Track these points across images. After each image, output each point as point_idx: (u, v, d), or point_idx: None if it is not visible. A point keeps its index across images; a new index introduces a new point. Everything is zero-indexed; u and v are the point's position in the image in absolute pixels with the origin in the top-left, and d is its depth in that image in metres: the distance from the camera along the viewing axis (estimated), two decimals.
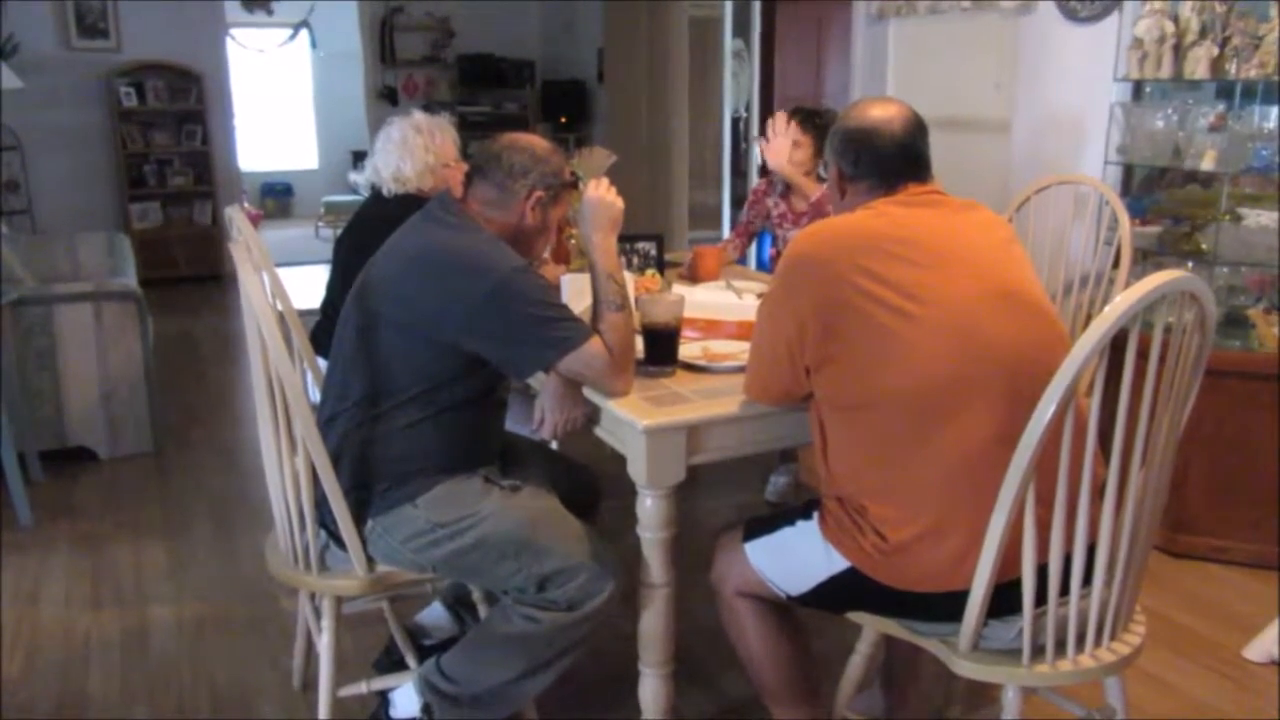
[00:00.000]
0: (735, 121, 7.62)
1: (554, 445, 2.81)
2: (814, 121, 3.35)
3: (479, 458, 2.08)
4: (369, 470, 1.98)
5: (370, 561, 2.02)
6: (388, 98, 8.94)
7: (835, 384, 1.71)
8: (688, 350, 2.23)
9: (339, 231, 3.66)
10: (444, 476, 2.00)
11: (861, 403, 1.68)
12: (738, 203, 7.43)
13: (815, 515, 1.82)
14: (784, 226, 3.53)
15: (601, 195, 2.10)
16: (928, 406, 1.63)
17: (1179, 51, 3.20)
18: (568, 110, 8.92)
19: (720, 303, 2.70)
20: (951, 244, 1.73)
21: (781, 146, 3.31)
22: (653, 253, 3.32)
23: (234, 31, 8.68)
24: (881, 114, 1.83)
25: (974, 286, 1.68)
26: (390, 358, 1.98)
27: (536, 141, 2.09)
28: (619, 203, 2.11)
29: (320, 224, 10.21)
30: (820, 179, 3.45)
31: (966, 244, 1.75)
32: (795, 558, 1.83)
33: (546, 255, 3.13)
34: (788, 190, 3.51)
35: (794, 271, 1.77)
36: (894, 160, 1.81)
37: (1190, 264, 3.18)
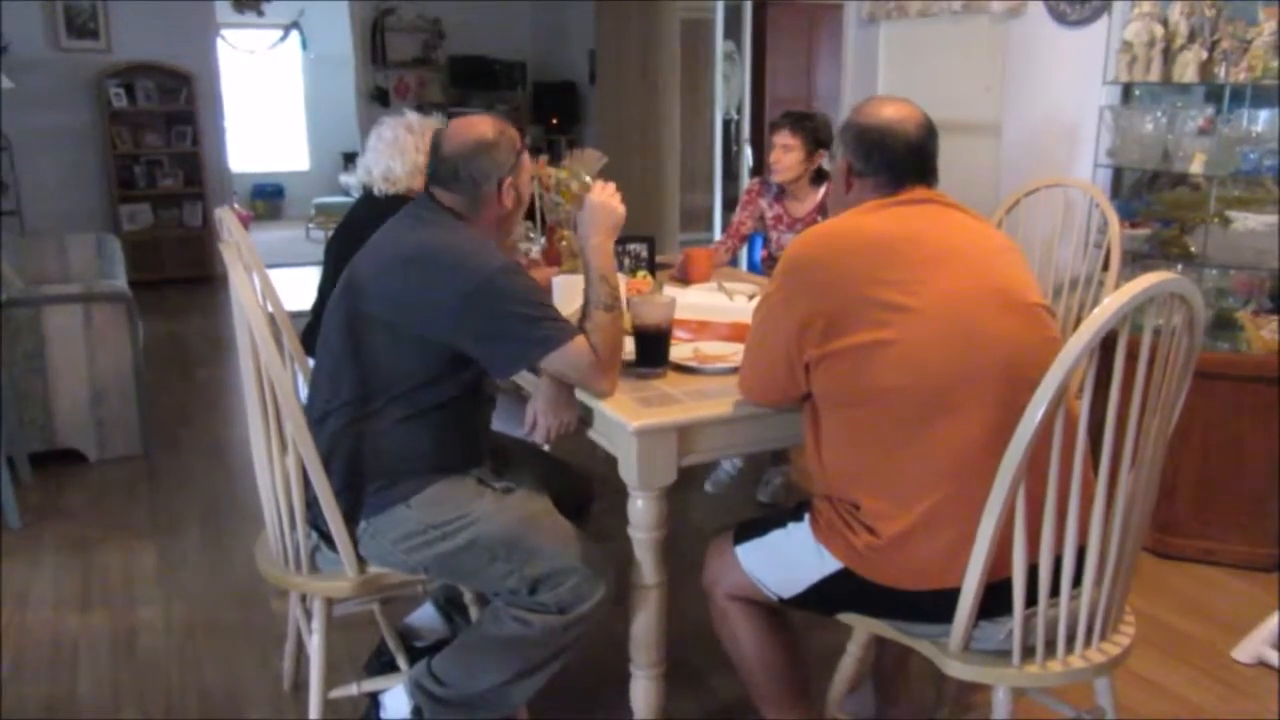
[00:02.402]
0: (726, 123, 7.64)
1: (546, 448, 2.81)
2: (803, 125, 3.35)
3: (470, 457, 2.08)
4: (360, 470, 1.98)
5: (361, 563, 2.01)
6: (379, 99, 8.93)
7: (834, 380, 1.72)
8: (679, 352, 2.23)
9: (330, 233, 3.66)
10: (437, 477, 2.00)
11: (859, 398, 1.69)
12: (729, 204, 7.44)
13: (806, 517, 1.82)
14: (778, 229, 3.54)
15: (605, 199, 2.09)
16: (924, 402, 1.64)
17: (1168, 55, 3.21)
18: (559, 112, 8.92)
19: (711, 304, 2.71)
20: (950, 243, 1.75)
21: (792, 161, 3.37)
22: (644, 254, 3.32)
23: (225, 32, 8.67)
24: (896, 114, 1.84)
25: (972, 284, 1.70)
26: (378, 355, 1.97)
27: (479, 129, 2.05)
28: (621, 209, 2.11)
29: (311, 225, 10.19)
30: (813, 181, 3.45)
31: (965, 244, 1.76)
32: (786, 560, 1.84)
33: (537, 256, 3.13)
34: (782, 193, 3.52)
35: (797, 273, 1.77)
36: (905, 161, 1.82)
37: (1179, 266, 3.19)
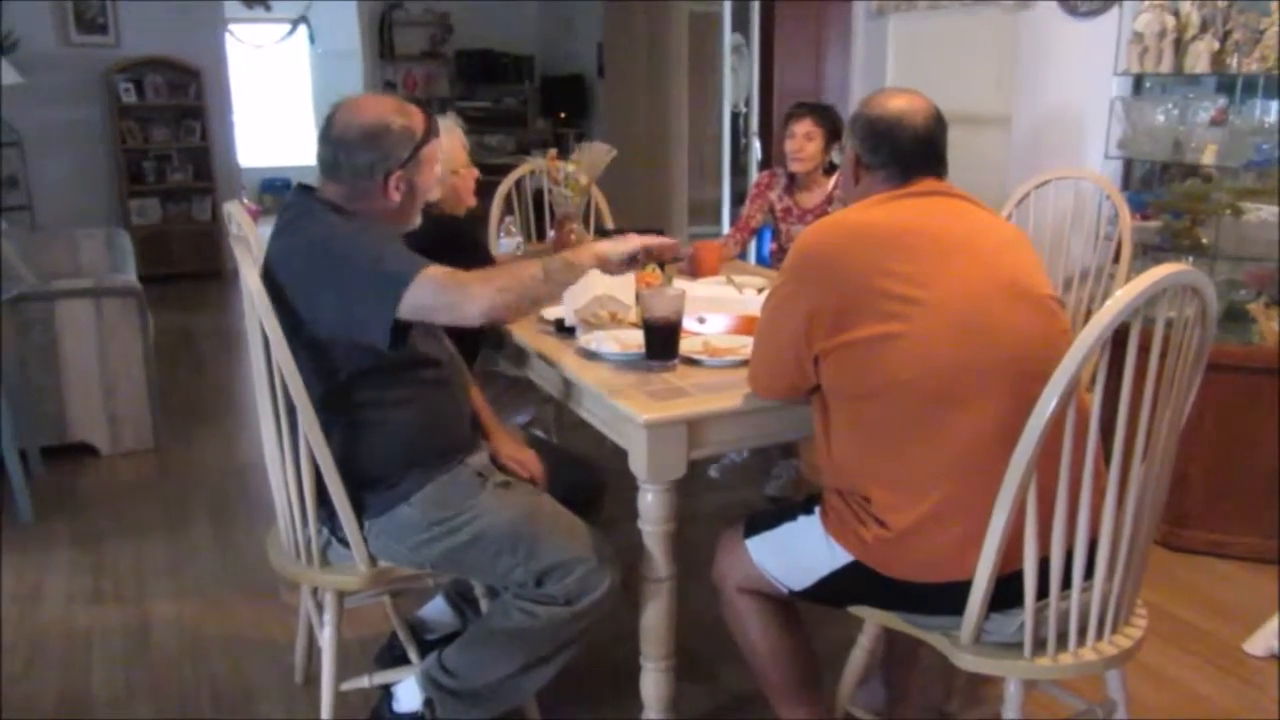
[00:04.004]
0: (735, 116, 7.62)
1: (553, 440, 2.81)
2: (824, 114, 3.38)
3: (459, 442, 2.07)
4: (358, 471, 1.95)
5: (372, 556, 2.01)
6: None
7: (843, 373, 1.72)
8: (688, 345, 2.23)
9: None
10: (435, 473, 1.99)
11: (869, 392, 1.69)
12: (738, 198, 7.42)
13: (816, 510, 1.82)
14: (788, 221, 3.53)
15: (608, 250, 2.02)
16: (934, 395, 1.63)
17: (1179, 46, 3.19)
18: (567, 105, 8.91)
19: (721, 297, 2.71)
20: (961, 236, 1.74)
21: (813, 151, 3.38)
22: None
23: (233, 27, 8.67)
24: (906, 105, 1.84)
25: (982, 277, 1.69)
26: (317, 362, 1.91)
27: (370, 113, 1.91)
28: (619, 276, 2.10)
29: None
30: (824, 173, 3.46)
31: (975, 237, 1.76)
32: (797, 553, 1.84)
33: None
34: (792, 185, 3.52)
35: (805, 266, 1.77)
36: (914, 153, 1.82)
37: (1190, 258, 3.18)
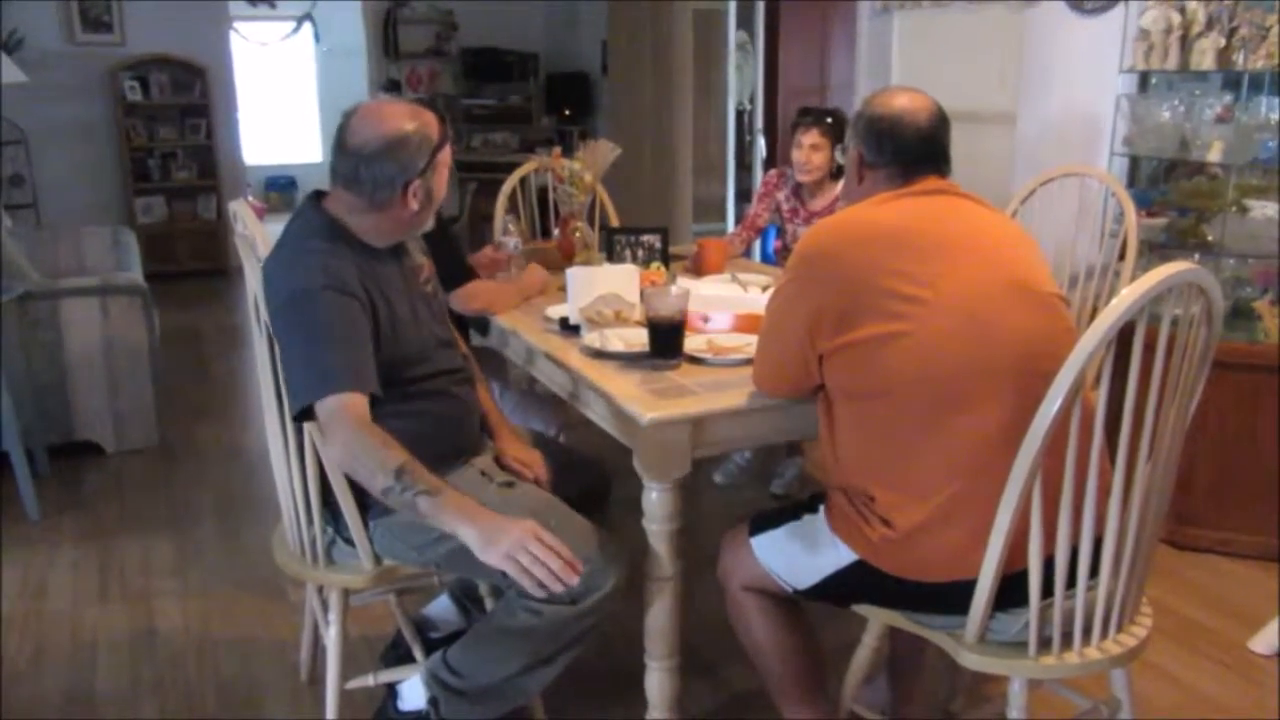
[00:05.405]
0: (739, 114, 7.62)
1: (561, 438, 2.81)
2: (832, 122, 3.37)
3: (461, 445, 2.07)
4: None
5: (377, 555, 2.02)
6: (392, 91, 8.93)
7: (848, 372, 1.72)
8: (692, 343, 2.23)
9: None
10: (439, 473, 1.98)
11: (874, 391, 1.68)
12: (742, 195, 7.42)
13: (821, 509, 1.82)
14: (794, 221, 3.53)
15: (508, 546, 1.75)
16: (939, 393, 1.63)
17: (1185, 43, 3.19)
18: (572, 103, 8.91)
19: (725, 296, 2.70)
20: (965, 235, 1.74)
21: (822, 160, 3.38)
22: (657, 245, 3.32)
23: (237, 25, 8.68)
24: (908, 104, 1.84)
25: (986, 275, 1.69)
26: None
27: (390, 124, 1.87)
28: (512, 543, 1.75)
29: None
30: (832, 176, 3.45)
31: (980, 235, 1.76)
32: (801, 552, 1.84)
33: (519, 250, 3.10)
34: (800, 188, 3.52)
35: (809, 265, 1.77)
36: (916, 151, 1.82)
37: (1196, 256, 3.17)
